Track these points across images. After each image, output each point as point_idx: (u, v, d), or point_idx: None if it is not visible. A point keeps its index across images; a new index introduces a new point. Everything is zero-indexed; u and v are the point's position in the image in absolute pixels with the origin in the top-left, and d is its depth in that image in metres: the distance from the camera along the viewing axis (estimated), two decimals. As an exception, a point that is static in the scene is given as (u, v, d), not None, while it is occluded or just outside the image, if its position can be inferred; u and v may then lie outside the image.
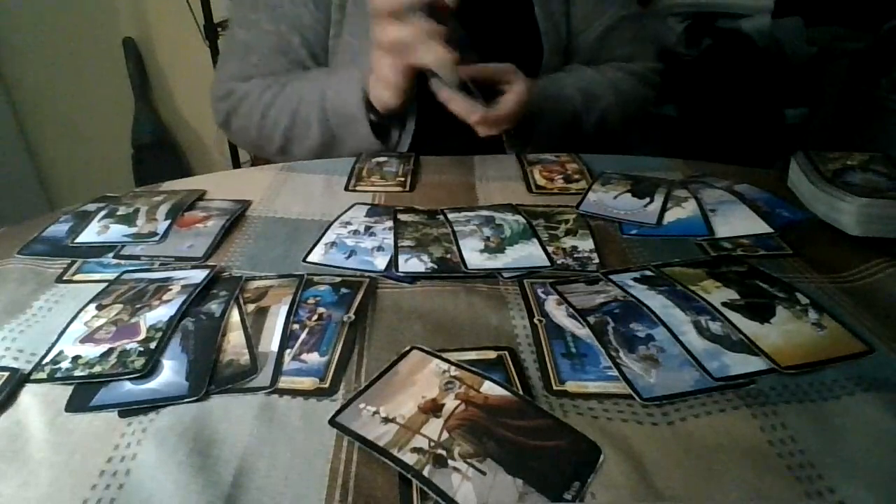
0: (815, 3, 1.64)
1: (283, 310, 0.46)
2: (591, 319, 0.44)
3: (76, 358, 0.41)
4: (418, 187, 0.69)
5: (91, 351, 0.42)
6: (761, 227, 0.57)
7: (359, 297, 0.48)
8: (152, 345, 0.42)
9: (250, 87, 0.81)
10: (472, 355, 0.42)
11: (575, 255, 0.54)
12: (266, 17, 0.80)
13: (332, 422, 0.36)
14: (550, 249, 0.54)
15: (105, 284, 0.49)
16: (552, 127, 0.80)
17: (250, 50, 0.81)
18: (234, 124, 0.84)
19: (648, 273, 0.51)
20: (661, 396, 0.38)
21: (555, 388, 0.39)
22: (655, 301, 0.46)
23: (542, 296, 0.48)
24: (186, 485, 0.33)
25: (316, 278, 0.50)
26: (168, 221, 0.59)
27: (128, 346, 0.42)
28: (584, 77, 0.85)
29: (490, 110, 0.68)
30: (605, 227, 0.59)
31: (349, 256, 0.54)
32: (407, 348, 0.42)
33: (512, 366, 0.41)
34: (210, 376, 0.40)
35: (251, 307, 0.47)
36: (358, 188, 0.68)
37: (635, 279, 0.49)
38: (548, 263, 0.52)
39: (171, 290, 0.48)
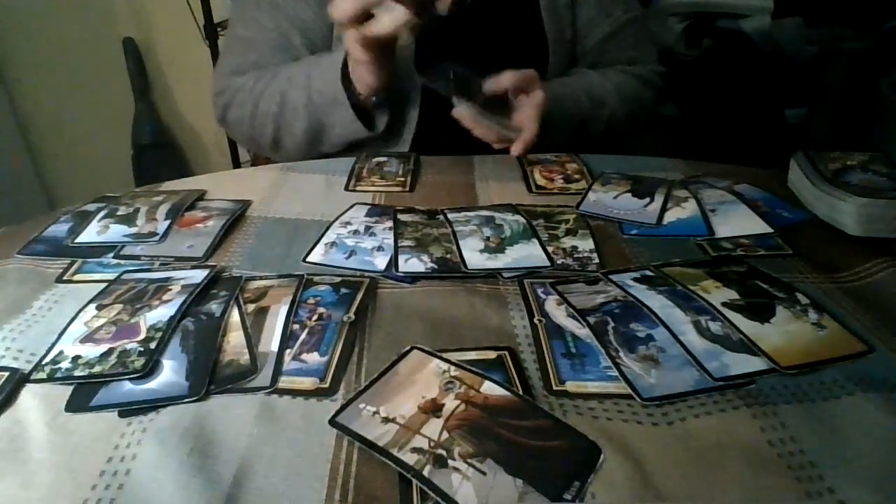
0: (815, 3, 1.64)
1: (283, 310, 0.46)
2: (591, 319, 0.44)
3: (76, 358, 0.41)
4: (418, 187, 0.69)
5: (91, 351, 0.42)
6: (761, 227, 0.57)
7: (359, 297, 0.48)
8: (152, 345, 0.42)
9: (245, 80, 0.81)
10: (472, 355, 0.42)
11: (575, 255, 0.54)
12: (267, 14, 0.80)
13: (332, 422, 0.36)
14: (550, 249, 0.54)
15: (105, 284, 0.49)
16: (562, 131, 0.80)
17: (250, 47, 0.81)
18: (230, 117, 0.84)
19: (648, 273, 0.50)
20: (661, 396, 0.38)
21: (555, 388, 0.39)
22: (655, 301, 0.46)
23: (542, 296, 0.48)
24: (186, 485, 0.33)
25: (316, 278, 0.50)
26: (168, 221, 0.59)
27: (128, 346, 0.42)
28: (591, 82, 0.85)
29: (509, 129, 0.68)
30: (605, 227, 0.59)
31: (349, 256, 0.54)
32: (407, 348, 0.42)
33: (512, 366, 0.41)
34: (210, 376, 0.40)
35: (251, 307, 0.47)
36: (358, 188, 0.68)
37: (635, 279, 0.49)
38: (548, 263, 0.52)
39: (171, 290, 0.48)
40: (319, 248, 0.55)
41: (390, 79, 0.71)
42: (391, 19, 0.60)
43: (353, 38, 0.65)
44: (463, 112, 0.68)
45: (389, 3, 0.60)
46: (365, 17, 0.62)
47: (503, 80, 0.69)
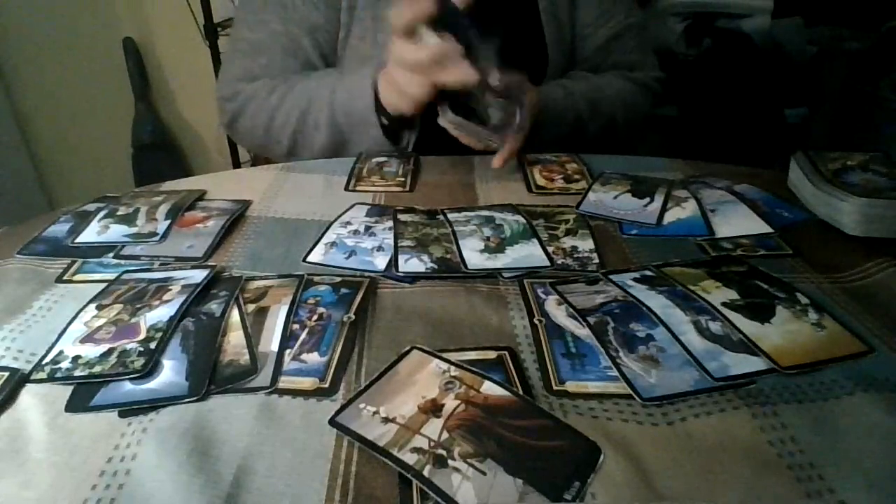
0: (815, 3, 1.64)
1: (283, 310, 0.46)
2: (591, 319, 0.44)
3: (76, 358, 0.41)
4: (418, 187, 0.69)
5: (91, 351, 0.42)
6: (761, 227, 0.57)
7: (359, 297, 0.48)
8: (152, 345, 0.42)
9: (257, 88, 0.80)
10: (472, 355, 0.42)
11: (575, 255, 0.54)
12: (275, 17, 0.79)
13: (332, 422, 0.36)
14: (550, 249, 0.54)
15: (105, 284, 0.49)
16: (555, 135, 0.80)
17: (259, 50, 0.81)
18: (241, 125, 0.84)
19: (648, 273, 0.51)
20: (661, 396, 0.38)
21: (555, 388, 0.39)
22: (655, 301, 0.46)
23: (542, 296, 0.48)
24: (186, 485, 0.33)
25: (316, 278, 0.50)
26: (168, 221, 0.59)
27: (128, 346, 0.42)
28: (590, 86, 0.85)
29: (494, 138, 0.69)
30: (605, 227, 0.59)
31: (349, 256, 0.54)
32: (407, 348, 0.42)
33: (512, 366, 0.41)
34: (210, 376, 0.40)
35: (251, 307, 0.47)
36: (358, 188, 0.68)
37: (635, 279, 0.49)
38: (548, 263, 0.52)
39: (171, 290, 0.48)
40: (319, 248, 0.55)
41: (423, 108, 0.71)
42: (464, 75, 0.62)
43: (418, 85, 0.65)
44: (447, 121, 0.69)
45: (465, 63, 0.62)
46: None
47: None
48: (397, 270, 0.51)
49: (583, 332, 0.44)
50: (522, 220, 0.59)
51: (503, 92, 0.69)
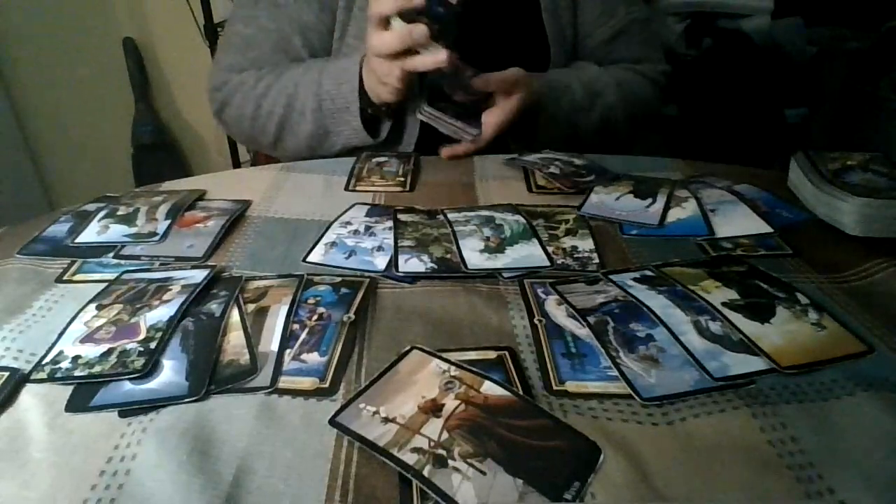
0: (815, 3, 1.64)
1: (283, 310, 0.46)
2: (591, 319, 0.44)
3: (76, 358, 0.41)
4: (418, 187, 0.69)
5: (91, 351, 0.42)
6: (761, 227, 0.57)
7: (359, 297, 0.48)
8: (152, 345, 0.42)
9: (245, 77, 0.81)
10: (472, 355, 0.42)
11: (575, 255, 0.54)
12: (267, 14, 0.80)
13: (332, 422, 0.36)
14: (550, 249, 0.54)
15: (105, 284, 0.49)
16: (555, 120, 0.80)
17: (249, 45, 0.82)
18: (228, 115, 0.84)
19: (648, 273, 0.50)
20: (661, 396, 0.38)
21: (555, 388, 0.39)
22: (655, 301, 0.46)
23: (542, 296, 0.48)
24: (186, 485, 0.33)
25: (316, 278, 0.50)
26: (168, 221, 0.59)
27: (128, 346, 0.42)
28: (589, 73, 0.85)
29: (464, 134, 0.73)
30: (605, 227, 0.59)
31: (349, 256, 0.54)
32: (407, 348, 0.42)
33: (512, 366, 0.41)
34: (210, 376, 0.40)
35: (251, 307, 0.47)
36: (358, 188, 0.68)
37: (635, 279, 0.49)
38: (548, 263, 0.52)
39: (171, 290, 0.48)
40: (319, 248, 0.55)
41: (406, 97, 0.73)
42: (433, 59, 0.64)
43: (391, 72, 0.67)
44: (423, 116, 0.72)
45: (433, 44, 0.63)
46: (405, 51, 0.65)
47: (491, 82, 0.71)
48: (397, 270, 0.51)
49: (583, 332, 0.44)
50: (522, 220, 0.59)
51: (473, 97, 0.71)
